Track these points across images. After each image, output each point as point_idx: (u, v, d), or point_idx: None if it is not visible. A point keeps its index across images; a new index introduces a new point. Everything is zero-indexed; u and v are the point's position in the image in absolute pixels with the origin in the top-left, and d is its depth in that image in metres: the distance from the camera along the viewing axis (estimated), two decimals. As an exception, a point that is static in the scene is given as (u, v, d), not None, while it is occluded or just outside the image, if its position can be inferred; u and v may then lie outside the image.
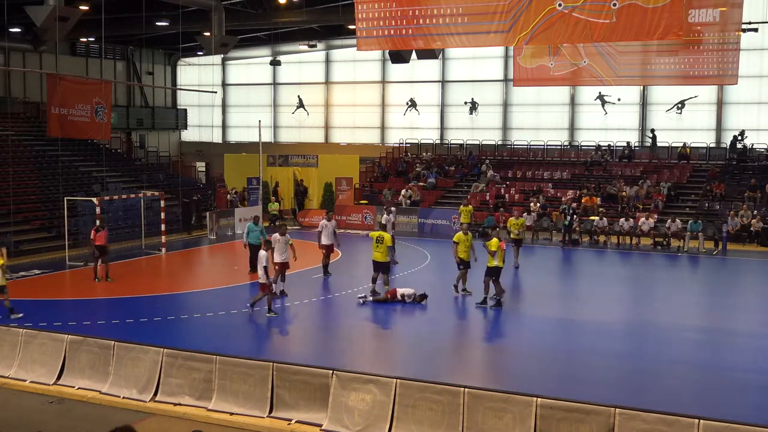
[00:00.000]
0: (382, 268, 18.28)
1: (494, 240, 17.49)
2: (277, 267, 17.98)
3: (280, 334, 16.18)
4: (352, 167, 37.03)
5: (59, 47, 35.94)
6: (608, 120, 38.65)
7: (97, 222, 21.31)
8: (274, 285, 17.44)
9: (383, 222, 22.52)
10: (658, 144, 36.25)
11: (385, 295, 18.02)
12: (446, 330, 16.24)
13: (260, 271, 16.48)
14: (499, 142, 39.97)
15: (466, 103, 41.46)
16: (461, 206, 28.86)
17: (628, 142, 36.31)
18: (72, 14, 25.28)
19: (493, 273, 17.41)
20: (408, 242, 27.29)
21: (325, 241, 20.87)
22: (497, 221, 29.38)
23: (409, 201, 33.22)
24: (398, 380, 10.55)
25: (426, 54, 32.48)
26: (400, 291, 18.07)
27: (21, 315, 16.31)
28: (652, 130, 36.58)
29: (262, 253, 16.67)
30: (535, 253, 26.96)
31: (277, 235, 18.26)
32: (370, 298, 18.09)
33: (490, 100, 41.18)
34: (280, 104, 46.91)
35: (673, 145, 35.41)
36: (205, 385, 11.49)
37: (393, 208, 26.61)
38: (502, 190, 34.07)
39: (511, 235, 23.22)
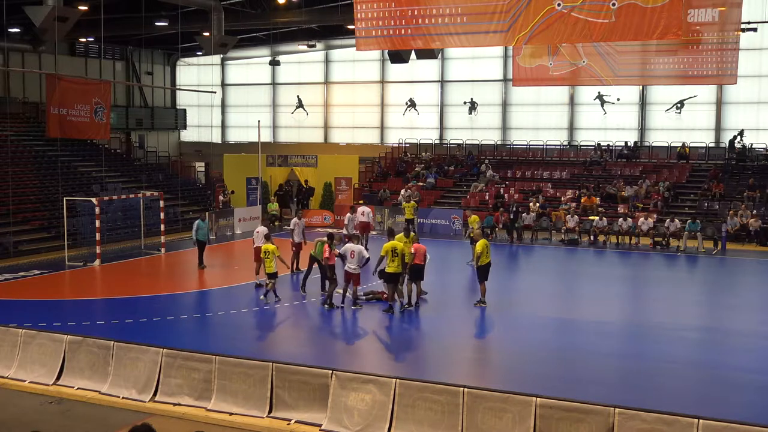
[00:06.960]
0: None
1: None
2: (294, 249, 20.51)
3: (279, 335, 16.18)
4: (352, 167, 37.00)
5: (58, 47, 35.93)
6: (607, 120, 38.65)
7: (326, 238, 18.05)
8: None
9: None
10: (653, 145, 36.30)
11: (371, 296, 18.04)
12: (445, 330, 16.21)
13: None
14: (499, 142, 39.95)
15: (465, 103, 41.42)
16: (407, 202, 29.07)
17: (626, 142, 36.32)
18: (71, 14, 25.27)
19: (392, 279, 16.84)
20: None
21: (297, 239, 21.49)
22: (497, 221, 29.40)
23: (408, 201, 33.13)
24: (398, 380, 10.55)
25: (425, 54, 32.46)
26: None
27: (278, 299, 17.58)
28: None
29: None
30: (534, 252, 26.99)
31: (295, 219, 21.52)
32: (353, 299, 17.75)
33: (489, 99, 41.15)
34: (280, 104, 46.84)
35: (672, 144, 35.42)
36: (204, 385, 11.49)
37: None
38: (502, 190, 34.06)
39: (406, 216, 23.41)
